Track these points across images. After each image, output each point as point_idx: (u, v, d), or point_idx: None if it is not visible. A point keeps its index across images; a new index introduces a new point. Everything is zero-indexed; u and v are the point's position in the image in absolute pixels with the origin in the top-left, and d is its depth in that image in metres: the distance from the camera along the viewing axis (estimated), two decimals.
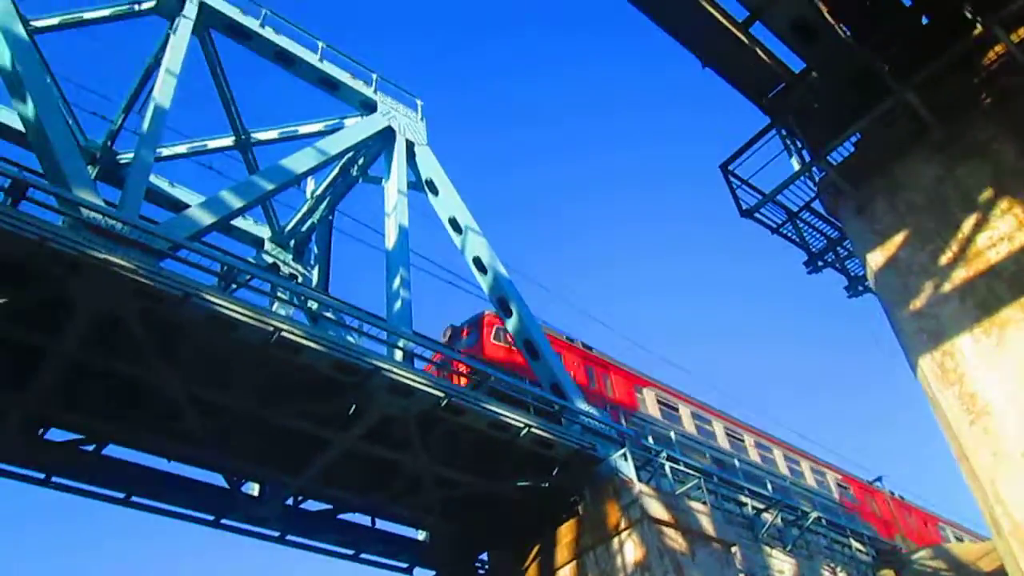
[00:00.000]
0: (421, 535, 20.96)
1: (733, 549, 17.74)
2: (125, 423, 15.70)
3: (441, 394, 15.44)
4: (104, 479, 16.61)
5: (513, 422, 16.57)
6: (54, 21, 18.20)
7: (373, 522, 19.67)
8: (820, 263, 15.18)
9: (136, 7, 18.60)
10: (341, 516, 19.17)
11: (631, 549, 16.07)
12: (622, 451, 17.96)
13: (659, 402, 27.08)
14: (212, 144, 20.75)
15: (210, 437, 15.75)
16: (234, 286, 14.85)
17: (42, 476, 16.10)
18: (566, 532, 17.85)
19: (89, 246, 12.25)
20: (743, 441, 30.38)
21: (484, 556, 20.51)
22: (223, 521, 17.88)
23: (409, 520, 20.10)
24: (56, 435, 16.07)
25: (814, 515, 22.75)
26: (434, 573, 20.61)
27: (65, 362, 13.56)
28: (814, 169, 13.68)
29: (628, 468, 17.62)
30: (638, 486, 17.00)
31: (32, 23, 17.49)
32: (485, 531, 19.73)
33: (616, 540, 16.55)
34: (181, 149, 20.12)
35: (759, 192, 14.35)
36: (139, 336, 13.38)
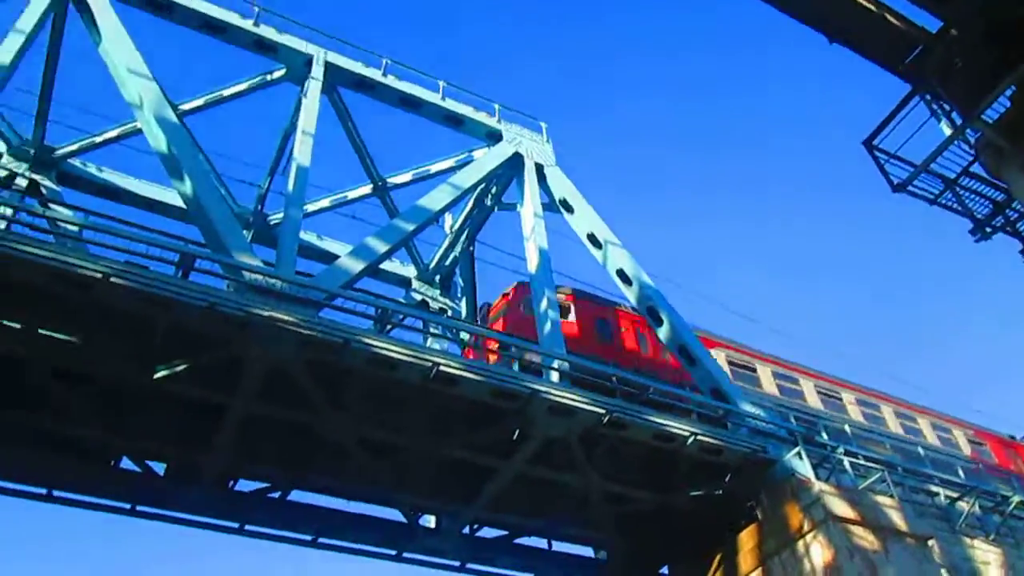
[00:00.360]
0: (600, 553, 20.84)
1: (930, 543, 16.64)
2: (305, 468, 16.53)
3: (602, 411, 15.38)
4: (292, 523, 17.50)
5: (678, 431, 16.27)
6: (199, 102, 19.62)
7: (549, 544, 19.74)
8: (988, 229, 14.12)
9: (268, 77, 19.77)
10: (517, 541, 19.34)
11: (818, 551, 15.36)
12: (796, 450, 17.26)
13: (730, 363, 24.08)
14: (352, 194, 21.67)
15: (383, 474, 16.31)
16: (389, 327, 15.43)
17: (236, 525, 17.15)
18: (747, 539, 17.29)
19: (254, 305, 13.07)
20: (839, 398, 26.85)
21: (664, 570, 20.16)
22: (404, 555, 18.43)
23: (584, 540, 20.05)
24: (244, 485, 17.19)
25: (1016, 499, 21.02)
26: None
27: (244, 416, 14.43)
28: (968, 131, 12.79)
29: (804, 467, 16.91)
30: (817, 485, 16.27)
31: (180, 107, 18.91)
32: (662, 544, 19.39)
33: (801, 543, 15.86)
34: (325, 203, 21.13)
35: (910, 164, 13.56)
36: (307, 385, 14.10)
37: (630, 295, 19.12)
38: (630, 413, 15.88)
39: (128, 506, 16.34)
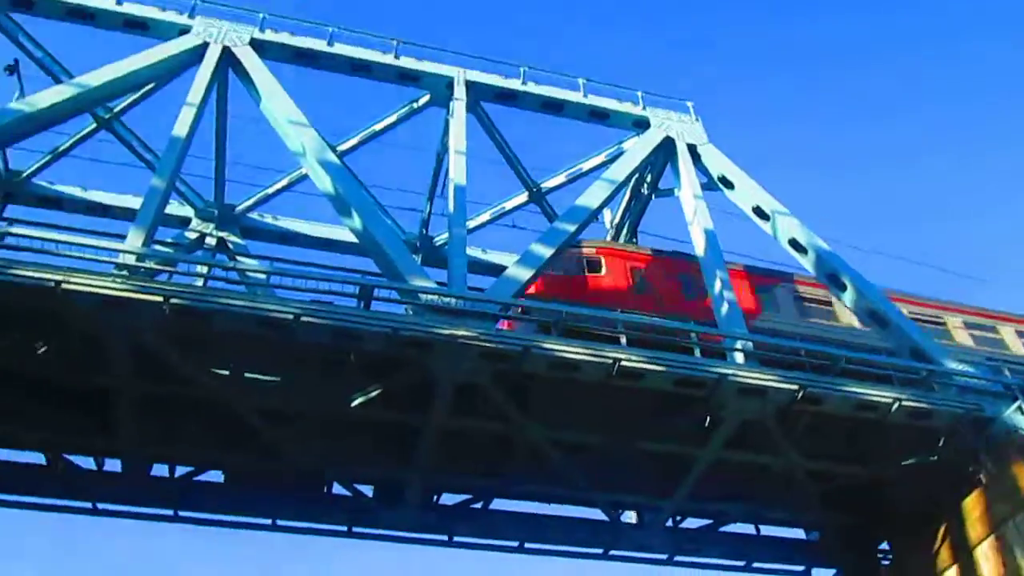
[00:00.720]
0: (812, 534, 20.07)
1: None
2: (504, 476, 16.94)
3: (795, 387, 14.81)
4: (497, 531, 17.95)
5: (879, 399, 15.40)
6: (355, 141, 20.55)
7: (757, 529, 19.21)
8: None
9: (415, 104, 20.44)
10: (723, 529, 18.94)
11: None
12: (1016, 404, 15.91)
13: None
14: (510, 205, 21.96)
15: (579, 475, 16.42)
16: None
17: (445, 538, 17.79)
18: (973, 506, 16.09)
19: (434, 325, 13.54)
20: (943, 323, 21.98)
21: (884, 546, 19.12)
22: (611, 552, 18.47)
23: (792, 522, 19.40)
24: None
25: None
26: (834, 572, 19.60)
27: (441, 432, 14.95)
28: None
29: None
30: None
31: (338, 148, 19.90)
32: (877, 519, 18.43)
33: None
34: (485, 217, 21.55)
35: None
36: (495, 395, 14.43)
37: (807, 264, 18.31)
38: (824, 386, 15.20)
39: (345, 528, 17.33)
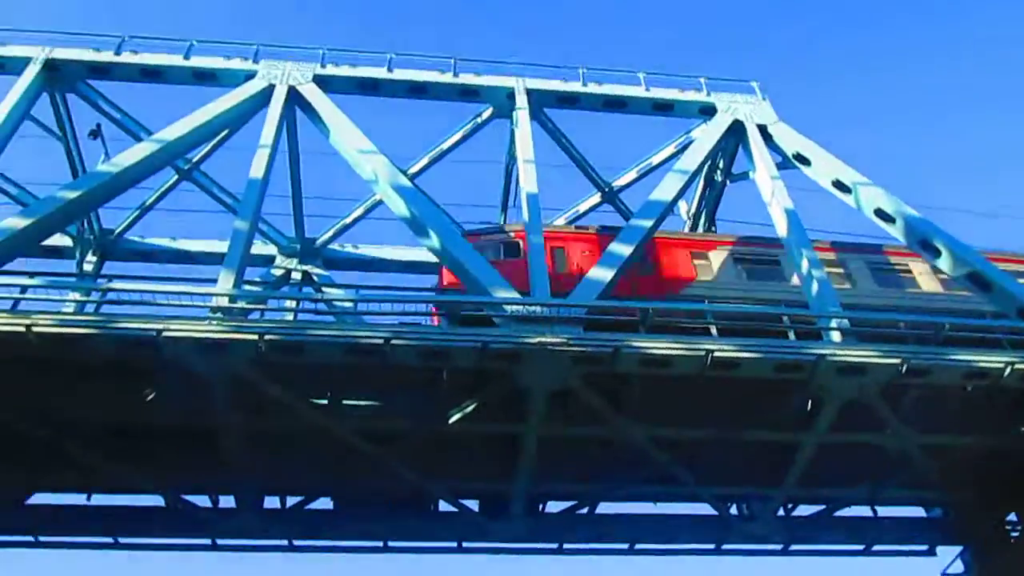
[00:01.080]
0: (933, 511, 19.34)
1: None
2: (606, 479, 16.86)
3: (897, 360, 14.27)
4: (606, 535, 17.89)
5: (990, 365, 14.71)
6: (423, 162, 20.85)
7: (874, 511, 18.60)
8: None
9: (479, 119, 20.61)
10: (838, 513, 18.40)
11: None
12: None
13: (736, 260, 18.79)
14: (583, 207, 21.90)
15: (683, 471, 16.19)
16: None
17: (555, 546, 17.80)
18: None
19: (522, 335, 13.57)
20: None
21: (1012, 517, 18.27)
22: (723, 547, 18.17)
23: (912, 500, 18.75)
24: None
25: None
26: (960, 548, 18.83)
27: (540, 440, 14.97)
28: None
29: None
30: None
31: (408, 171, 20.20)
32: (1004, 491, 17.60)
33: None
34: (560, 222, 21.52)
35: None
36: (590, 398, 14.37)
37: (896, 232, 17.63)
38: (929, 357, 14.61)
39: (455, 544, 17.52)
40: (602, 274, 15.10)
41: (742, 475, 17.28)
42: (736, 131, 19.71)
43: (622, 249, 15.71)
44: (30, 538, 16.92)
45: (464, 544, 17.68)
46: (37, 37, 18.78)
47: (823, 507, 18.30)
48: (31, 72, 17.84)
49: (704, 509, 17.96)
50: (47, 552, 17.29)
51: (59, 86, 18.84)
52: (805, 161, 19.00)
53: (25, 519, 16.87)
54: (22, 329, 12.86)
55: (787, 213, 17.23)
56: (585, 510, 17.88)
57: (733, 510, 18.38)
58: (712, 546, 18.18)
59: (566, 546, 17.92)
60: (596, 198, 21.82)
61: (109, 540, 16.90)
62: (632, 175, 21.73)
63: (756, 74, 21.22)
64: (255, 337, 13.14)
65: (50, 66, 18.25)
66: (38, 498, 17.00)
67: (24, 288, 14.08)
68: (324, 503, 17.40)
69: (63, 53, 18.49)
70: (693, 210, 22.43)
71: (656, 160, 21.49)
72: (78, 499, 16.94)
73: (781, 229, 17.34)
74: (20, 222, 14.74)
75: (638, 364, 14.09)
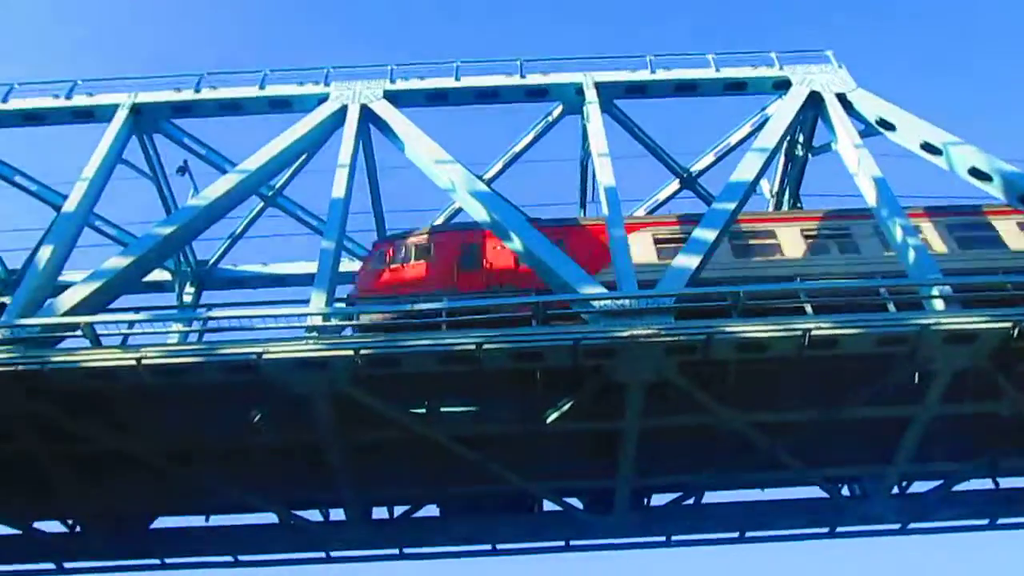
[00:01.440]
0: None
1: None
2: (710, 469, 16.61)
3: (1007, 324, 13.61)
4: (714, 525, 17.64)
5: None
6: (498, 166, 21.03)
7: (996, 483, 17.79)
8: None
9: (550, 118, 20.63)
10: (957, 488, 17.66)
11: None
12: None
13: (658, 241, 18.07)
14: (663, 195, 21.70)
15: (788, 455, 15.83)
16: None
17: (663, 539, 17.65)
18: None
19: (612, 330, 13.52)
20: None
21: None
22: (838, 530, 17.72)
23: None
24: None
25: None
26: None
27: (639, 434, 14.86)
28: None
29: None
30: None
31: (484, 176, 20.35)
32: None
33: None
34: (640, 213, 21.34)
35: None
36: (687, 387, 14.19)
37: (994, 191, 16.86)
38: None
39: (562, 543, 17.55)
40: (689, 261, 14.90)
41: (852, 454, 16.77)
42: (814, 103, 19.17)
43: (706, 235, 15.46)
44: (156, 561, 17.68)
45: (571, 543, 17.70)
46: (120, 85, 19.75)
47: (940, 482, 17.59)
48: (120, 118, 18.69)
49: (815, 492, 17.51)
50: (173, 573, 18.07)
51: (145, 128, 19.70)
52: (889, 126, 18.35)
53: (150, 543, 17.67)
54: (133, 362, 13.49)
55: (875, 182, 16.66)
56: (691, 501, 17.66)
57: (845, 491, 17.86)
58: (826, 530, 17.74)
59: (674, 538, 17.75)
60: (675, 185, 21.58)
61: (230, 559, 17.53)
62: (710, 158, 21.42)
63: (829, 43, 20.24)
64: (351, 353, 13.45)
65: (136, 110, 19.09)
66: (160, 522, 17.84)
67: (131, 323, 14.70)
68: (430, 510, 17.67)
69: (147, 97, 19.31)
70: (776, 188, 21.95)
71: (733, 140, 21.15)
72: (197, 520, 17.67)
73: (870, 198, 16.78)
74: (122, 261, 15.47)
75: (734, 349, 13.86)
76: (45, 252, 16.03)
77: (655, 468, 16.35)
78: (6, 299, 17.75)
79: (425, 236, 18.12)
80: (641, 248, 17.47)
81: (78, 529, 17.58)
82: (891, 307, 14.92)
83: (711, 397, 14.59)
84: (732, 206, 16.27)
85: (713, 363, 14.27)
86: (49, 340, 14.34)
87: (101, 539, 17.24)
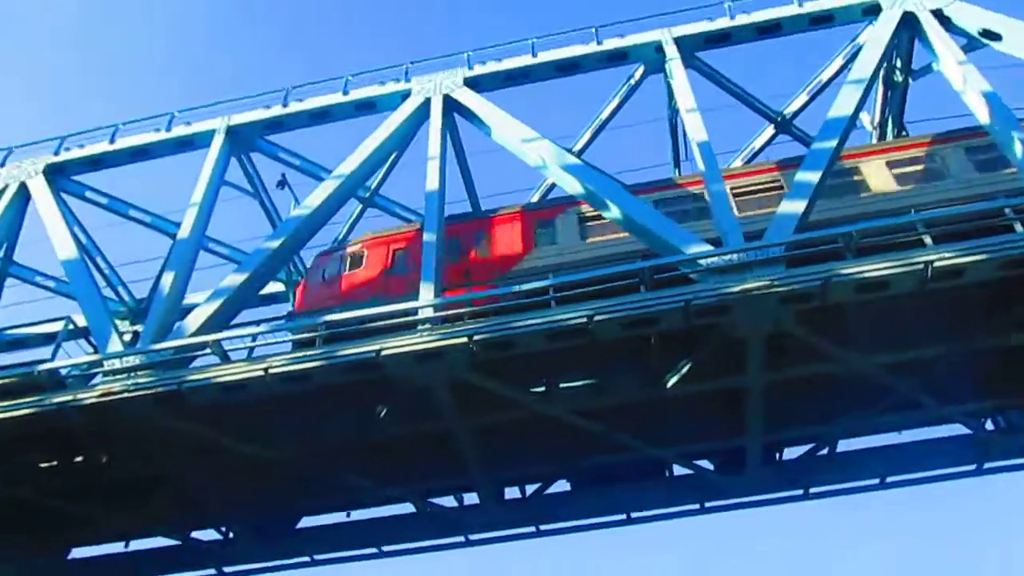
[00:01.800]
0: None
1: None
2: (841, 416, 16.18)
3: None
4: (854, 473, 17.29)
5: None
6: (586, 137, 20.86)
7: None
8: None
9: (632, 81, 20.32)
10: None
11: None
12: None
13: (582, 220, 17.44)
14: (758, 142, 21.06)
15: (923, 394, 15.24)
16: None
17: (800, 492, 17.34)
18: None
19: (724, 286, 13.25)
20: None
21: None
22: (986, 466, 17.13)
23: None
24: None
25: None
26: None
27: (764, 388, 14.60)
28: None
29: None
30: None
31: (574, 149, 20.22)
32: None
33: None
34: (737, 164, 20.77)
35: None
36: (806, 335, 13.82)
37: None
38: None
39: (697, 506, 17.45)
40: (794, 206, 14.43)
41: (990, 386, 15.99)
42: (908, 24, 18.09)
43: (810, 176, 14.91)
44: (306, 558, 18.48)
45: (706, 505, 17.57)
46: (205, 112, 20.48)
47: None
48: (217, 142, 19.36)
49: (957, 430, 16.82)
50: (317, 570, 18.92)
51: (242, 148, 20.38)
52: (995, 36, 17.17)
53: (298, 543, 18.50)
54: (261, 373, 14.08)
55: (986, 97, 15.67)
56: (825, 451, 17.24)
57: (989, 425, 17.08)
58: (972, 467, 17.06)
59: (812, 490, 17.39)
60: (769, 131, 20.91)
61: (374, 551, 18.18)
62: (803, 98, 20.65)
63: None
64: (465, 340, 13.63)
65: (232, 132, 19.73)
66: (305, 522, 18.67)
67: (254, 336, 15.31)
68: (561, 485, 17.84)
69: (240, 118, 19.92)
70: (877, 119, 20.95)
71: (826, 76, 20.34)
72: (339, 517, 18.39)
73: (982, 115, 15.78)
74: (238, 278, 16.09)
75: (852, 291, 13.34)
76: (168, 278, 16.84)
77: (784, 421, 16.00)
78: (138, 327, 18.86)
79: (359, 245, 18.40)
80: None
81: (231, 535, 18.58)
82: (1018, 227, 14.05)
83: (833, 343, 14.15)
84: (833, 143, 15.56)
85: (833, 308, 13.80)
86: (183, 361, 15.09)
87: (252, 543, 18.16)
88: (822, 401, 15.92)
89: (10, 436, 15.03)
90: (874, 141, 20.77)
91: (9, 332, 22.26)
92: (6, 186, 19.39)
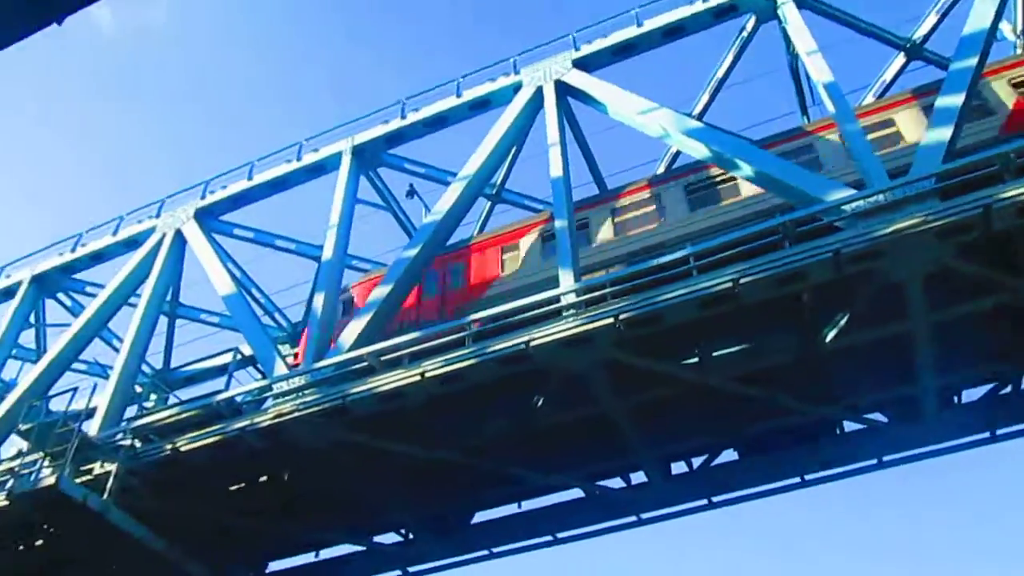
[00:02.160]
0: None
1: None
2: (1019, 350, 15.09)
3: None
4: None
5: None
6: (705, 98, 20.64)
7: None
8: None
9: (744, 33, 19.79)
10: None
11: None
12: None
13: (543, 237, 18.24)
14: (889, 75, 19.91)
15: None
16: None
17: (987, 435, 16.30)
18: None
19: (873, 228, 12.59)
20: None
21: None
22: None
23: None
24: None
25: None
26: None
27: (931, 331, 13.84)
28: None
29: None
30: None
31: (692, 113, 19.81)
32: None
33: None
34: (869, 99, 19.72)
35: None
36: (971, 270, 13.07)
37: None
38: None
39: (875, 461, 16.75)
40: (939, 134, 13.56)
41: None
42: None
43: (952, 100, 13.97)
44: (485, 552, 18.93)
45: (884, 459, 16.80)
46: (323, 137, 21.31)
47: None
48: (346, 163, 20.11)
49: None
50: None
51: (369, 165, 21.08)
52: None
53: (474, 537, 18.96)
54: (417, 378, 14.54)
55: None
56: (1008, 389, 16.12)
57: None
58: None
59: (1000, 432, 16.30)
60: (900, 59, 19.77)
61: (549, 538, 18.38)
62: (932, 20, 19.47)
63: None
64: (611, 320, 13.58)
65: (357, 152, 20.43)
66: (479, 516, 19.10)
67: (409, 343, 15.76)
68: (728, 455, 17.49)
69: (363, 136, 20.60)
70: (1021, 27, 19.34)
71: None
72: (511, 509, 18.72)
73: None
74: (385, 290, 16.62)
75: (1018, 215, 12.41)
76: (319, 299, 17.63)
77: (957, 363, 15.08)
78: (297, 350, 19.80)
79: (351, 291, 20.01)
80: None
81: (410, 536, 19.24)
82: None
83: (1005, 272, 13.22)
84: (973, 61, 14.52)
85: (1000, 235, 12.83)
86: (345, 376, 15.74)
87: (431, 542, 18.75)
88: (997, 337, 14.88)
89: (201, 465, 16.13)
90: (1019, 51, 19.20)
91: (186, 369, 23.96)
92: (163, 235, 20.81)
